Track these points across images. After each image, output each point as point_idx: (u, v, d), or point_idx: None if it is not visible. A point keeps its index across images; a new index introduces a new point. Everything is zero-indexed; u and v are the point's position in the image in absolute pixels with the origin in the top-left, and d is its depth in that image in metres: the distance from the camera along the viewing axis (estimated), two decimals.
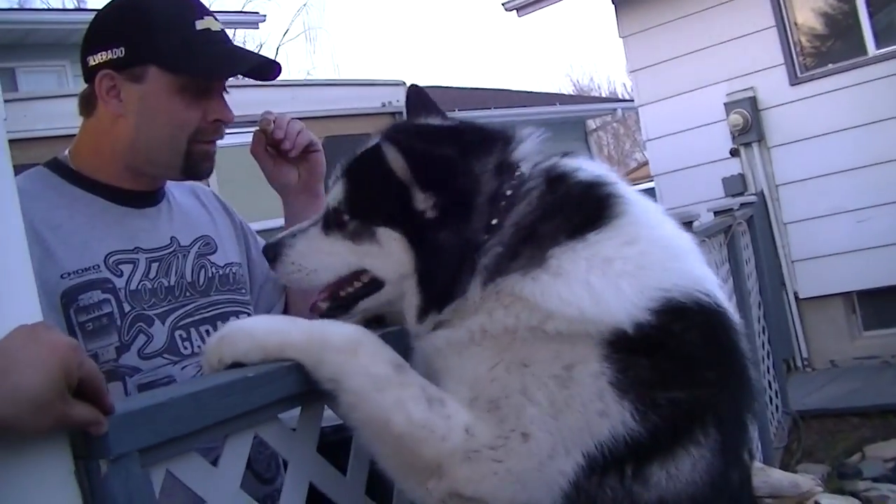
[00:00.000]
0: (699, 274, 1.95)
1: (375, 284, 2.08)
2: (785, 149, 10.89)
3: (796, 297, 11.04)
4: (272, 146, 2.78)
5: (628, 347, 1.79)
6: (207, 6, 2.64)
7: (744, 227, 8.28)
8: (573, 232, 1.88)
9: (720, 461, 1.84)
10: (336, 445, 2.08)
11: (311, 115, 10.88)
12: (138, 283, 2.47)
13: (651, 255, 1.88)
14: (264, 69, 2.67)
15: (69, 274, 2.35)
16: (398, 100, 11.90)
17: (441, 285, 1.96)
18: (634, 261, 1.85)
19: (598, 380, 1.77)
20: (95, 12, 2.63)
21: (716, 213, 7.93)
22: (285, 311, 2.91)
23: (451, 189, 1.97)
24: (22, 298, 1.55)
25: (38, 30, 14.87)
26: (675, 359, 1.83)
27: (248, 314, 2.72)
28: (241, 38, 33.17)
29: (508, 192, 1.96)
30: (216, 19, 2.60)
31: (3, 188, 1.56)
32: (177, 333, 2.50)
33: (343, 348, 1.84)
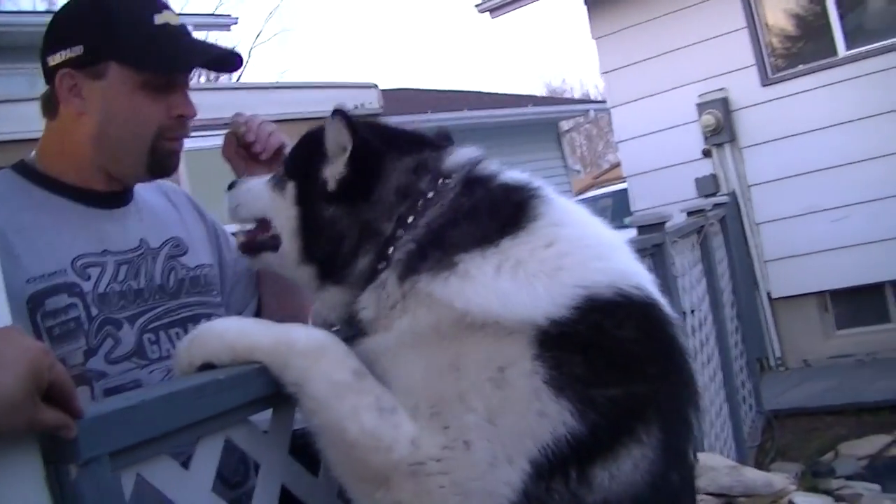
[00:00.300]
0: (627, 269, 1.92)
1: (275, 242, 2.20)
2: (757, 149, 10.96)
3: (769, 297, 11.10)
4: (244, 148, 2.76)
5: (559, 345, 1.77)
6: (174, 8, 2.62)
7: (716, 227, 8.33)
8: (484, 237, 1.88)
9: (662, 461, 1.82)
10: (308, 447, 2.08)
11: (284, 117, 10.88)
12: (106, 287, 2.44)
13: (571, 256, 1.86)
14: (225, 60, 2.68)
15: (35, 279, 2.32)
16: (371, 102, 11.94)
17: (319, 254, 2.09)
18: (551, 262, 1.83)
19: (532, 379, 1.75)
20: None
21: (689, 214, 7.97)
22: (258, 313, 2.90)
23: (360, 174, 2.04)
24: None
25: (9, 32, 14.77)
26: (610, 355, 1.80)
27: (219, 317, 2.67)
28: (213, 40, 33.14)
29: (430, 195, 2.00)
30: (174, 13, 2.57)
31: None
32: (145, 337, 2.48)
33: (308, 353, 1.84)
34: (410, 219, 1.98)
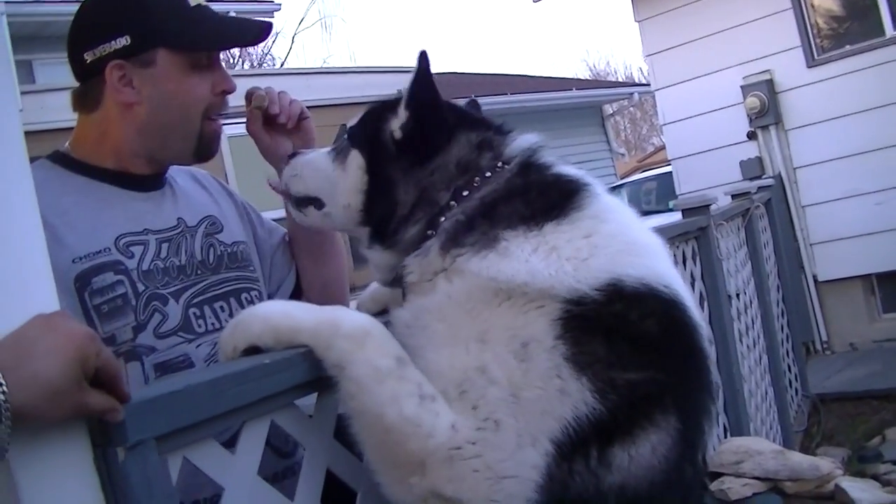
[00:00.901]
0: (659, 269, 1.96)
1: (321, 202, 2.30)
2: (802, 131, 10.86)
3: (815, 280, 11.01)
4: (266, 121, 2.80)
5: (581, 326, 1.82)
6: None
7: (762, 210, 8.26)
8: (530, 218, 1.94)
9: (678, 451, 1.85)
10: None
11: (327, 102, 10.94)
12: (150, 264, 2.49)
13: (605, 248, 1.91)
14: (260, 32, 2.74)
15: (80, 258, 2.37)
16: None
17: (377, 217, 2.15)
18: (585, 251, 1.89)
19: (553, 355, 1.79)
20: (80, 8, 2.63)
21: (733, 197, 7.91)
22: (298, 284, 2.97)
23: (422, 120, 2.11)
24: (39, 287, 1.55)
25: (55, 22, 14.95)
26: (631, 342, 1.84)
27: (258, 291, 2.76)
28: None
29: (487, 174, 2.07)
30: None
31: (20, 179, 1.57)
32: (190, 311, 2.53)
33: (352, 336, 1.85)
34: (465, 193, 2.05)
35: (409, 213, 2.10)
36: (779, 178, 10.87)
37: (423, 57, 2.08)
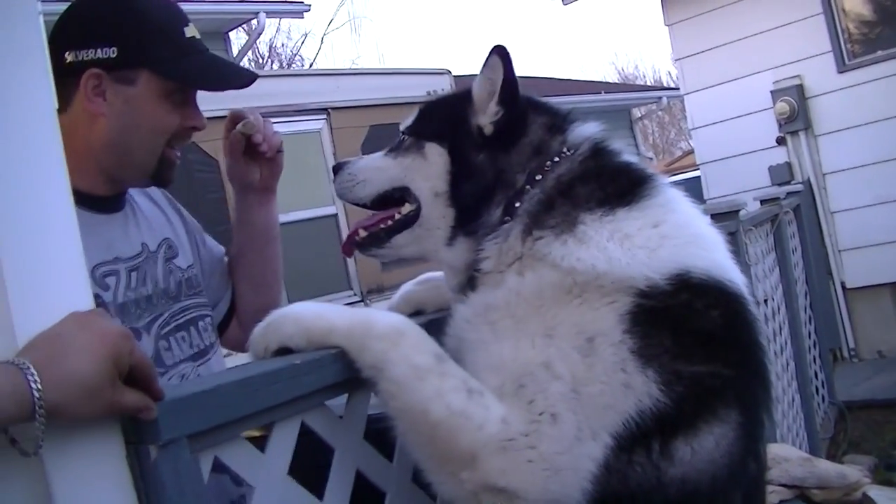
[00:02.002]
0: (724, 263, 1.99)
1: (411, 217, 2.23)
2: (832, 137, 10.80)
3: (843, 287, 10.94)
4: (246, 147, 2.79)
5: (649, 319, 1.83)
6: None
7: (790, 216, 8.22)
8: (604, 201, 1.98)
9: (740, 445, 1.86)
10: (383, 432, 2.10)
11: (356, 104, 10.95)
12: (123, 296, 2.47)
13: (674, 238, 1.94)
14: (245, 81, 2.70)
15: None
16: (443, 88, 11.90)
17: (468, 200, 2.14)
18: (655, 240, 1.92)
19: (619, 349, 1.81)
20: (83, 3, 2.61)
21: (762, 202, 7.88)
22: (231, 305, 2.98)
23: (513, 114, 2.15)
24: (73, 285, 1.56)
25: None
26: (698, 334, 1.86)
27: (210, 317, 2.77)
28: (287, 27, 33.34)
29: (556, 158, 2.11)
30: (195, 28, 2.63)
31: (55, 176, 1.59)
32: (160, 344, 2.52)
33: (386, 336, 1.86)
34: (538, 177, 2.08)
35: (492, 195, 2.11)
36: (808, 183, 10.81)
37: (503, 52, 2.13)
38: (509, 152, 2.13)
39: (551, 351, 1.82)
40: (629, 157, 2.16)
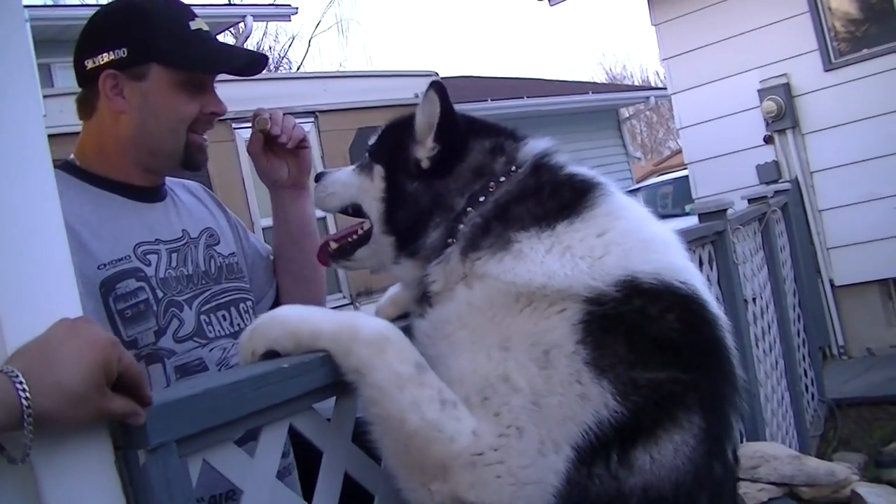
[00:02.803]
0: (676, 265, 1.98)
1: (365, 234, 2.30)
2: (819, 135, 10.82)
3: (832, 285, 10.96)
4: (267, 143, 2.90)
5: (601, 327, 1.83)
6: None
7: (778, 214, 8.25)
8: (542, 218, 1.98)
9: (703, 449, 1.85)
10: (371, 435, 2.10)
11: (344, 106, 10.95)
12: (165, 272, 2.60)
13: (620, 245, 1.93)
14: (254, 63, 2.80)
15: (104, 265, 2.46)
16: None
17: (401, 223, 2.18)
18: (599, 249, 1.92)
19: (573, 360, 1.80)
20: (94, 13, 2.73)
21: (750, 201, 7.90)
22: (276, 302, 3.05)
23: (449, 149, 2.16)
24: (62, 292, 1.57)
25: (74, 26, 14.98)
26: (653, 340, 1.85)
27: (252, 301, 2.87)
28: (274, 30, 33.30)
29: (502, 178, 2.10)
30: (203, 21, 2.74)
31: (43, 183, 1.59)
32: (202, 318, 2.64)
33: (371, 342, 1.87)
34: (482, 198, 2.08)
35: (428, 219, 2.12)
36: (795, 182, 10.83)
37: (440, 88, 2.16)
38: (445, 178, 2.15)
39: (509, 364, 1.83)
40: (574, 168, 2.13)
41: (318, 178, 2.48)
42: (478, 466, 1.77)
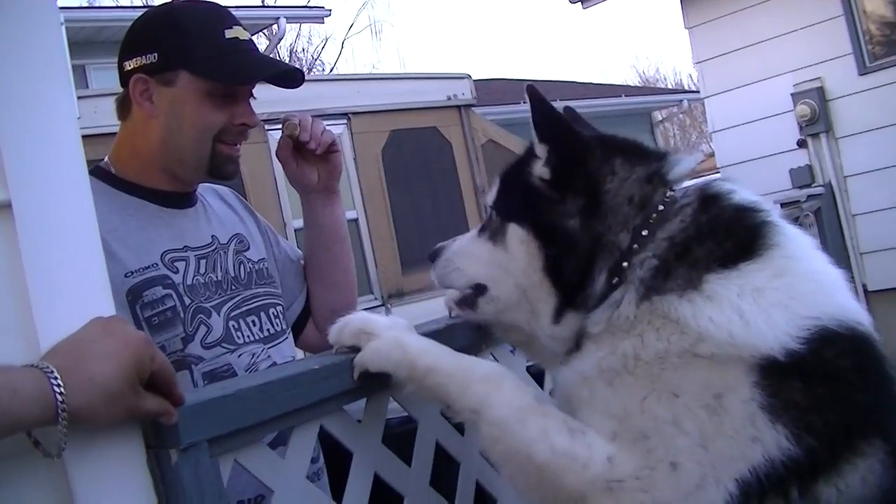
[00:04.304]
0: (850, 306, 1.92)
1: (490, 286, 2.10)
2: (853, 139, 10.73)
3: (865, 290, 10.86)
4: (296, 148, 2.88)
5: (778, 373, 1.75)
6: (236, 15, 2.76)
7: (811, 219, 8.19)
8: (726, 258, 1.86)
9: (892, 473, 1.78)
10: (401, 437, 2.11)
11: (377, 108, 10.97)
12: (192, 278, 2.61)
13: (801, 287, 1.85)
14: (288, 76, 2.79)
15: (132, 273, 2.48)
16: (463, 93, 11.92)
17: (571, 274, 1.95)
18: (785, 292, 1.82)
19: (749, 406, 1.74)
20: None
21: (783, 205, 7.86)
22: (306, 307, 3.05)
23: (562, 149, 2.00)
24: (96, 291, 1.59)
25: (108, 27, 15.08)
26: (829, 383, 1.78)
27: (282, 306, 2.87)
28: (307, 32, 33.39)
29: (660, 208, 1.95)
30: (244, 29, 2.72)
31: (77, 183, 1.61)
32: (230, 324, 2.64)
33: (488, 379, 1.84)
34: (644, 232, 1.92)
35: (593, 264, 1.94)
36: (829, 186, 10.74)
37: (531, 89, 2.03)
38: (596, 209, 1.96)
39: (678, 409, 1.76)
40: (740, 195, 1.99)
41: (436, 254, 2.24)
42: (616, 493, 1.72)
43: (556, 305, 1.98)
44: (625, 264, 1.90)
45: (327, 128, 2.94)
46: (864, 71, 10.61)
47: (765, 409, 1.73)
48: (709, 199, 1.97)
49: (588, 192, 1.97)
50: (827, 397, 1.76)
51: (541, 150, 2.01)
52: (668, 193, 1.98)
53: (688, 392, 1.77)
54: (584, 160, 2.00)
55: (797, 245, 1.96)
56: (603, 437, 1.78)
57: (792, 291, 1.83)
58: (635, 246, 1.91)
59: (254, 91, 2.74)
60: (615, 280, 1.91)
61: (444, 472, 2.08)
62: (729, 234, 1.91)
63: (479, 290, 2.12)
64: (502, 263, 2.05)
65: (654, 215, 1.94)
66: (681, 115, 33.54)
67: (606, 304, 1.90)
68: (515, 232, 2.02)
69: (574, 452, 1.75)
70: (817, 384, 1.77)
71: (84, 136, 1.66)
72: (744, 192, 2.01)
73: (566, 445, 1.75)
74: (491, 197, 2.15)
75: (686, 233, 1.91)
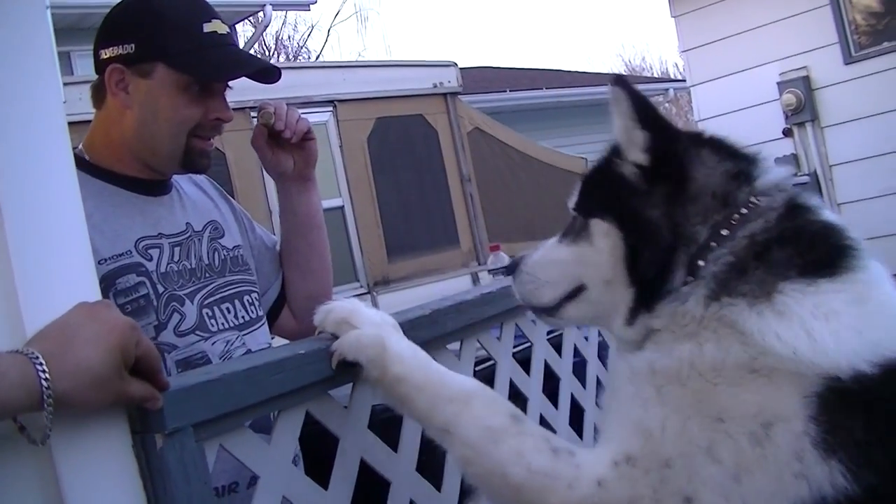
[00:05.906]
0: None
1: (579, 289, 2.00)
2: (839, 128, 10.76)
3: None
4: (272, 136, 2.87)
5: (839, 404, 1.64)
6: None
7: None
8: (806, 270, 1.75)
9: None
10: (387, 422, 2.11)
11: (363, 96, 10.96)
12: (166, 266, 2.59)
13: (879, 318, 1.73)
14: (266, 73, 2.77)
15: (105, 260, 2.46)
16: (450, 81, 11.92)
17: (649, 266, 1.86)
18: (863, 319, 1.70)
19: (800, 439, 1.62)
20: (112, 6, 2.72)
21: None
22: (282, 294, 3.05)
23: (662, 136, 1.91)
24: (80, 276, 1.59)
25: (93, 14, 15.01)
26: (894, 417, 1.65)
27: (257, 293, 2.86)
28: (293, 20, 33.31)
29: (744, 210, 1.85)
30: (223, 22, 2.70)
31: (64, 171, 1.61)
32: (204, 311, 2.63)
33: (455, 398, 1.81)
34: (724, 231, 1.82)
35: (671, 258, 1.84)
36: (814, 175, 10.77)
37: (621, 79, 1.92)
38: (681, 197, 1.87)
39: (717, 435, 1.65)
40: (828, 214, 1.91)
41: (514, 267, 2.12)
42: None
43: (631, 306, 1.89)
44: (700, 262, 1.81)
45: (302, 116, 2.92)
46: (849, 60, 10.64)
47: (817, 445, 1.61)
48: (797, 209, 1.88)
49: (676, 179, 1.89)
50: (891, 432, 1.64)
51: (641, 137, 1.90)
52: (753, 197, 1.87)
53: (734, 416, 1.66)
54: (680, 148, 1.92)
55: (878, 275, 1.85)
56: (604, 456, 1.71)
57: (870, 320, 1.71)
58: (713, 243, 1.81)
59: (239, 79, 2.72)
60: (689, 277, 1.81)
61: (431, 457, 2.08)
62: (813, 246, 1.81)
63: (577, 291, 2.00)
64: (589, 259, 1.96)
65: (736, 215, 1.84)
66: (667, 104, 33.48)
67: (673, 297, 1.82)
68: (599, 226, 1.93)
69: (556, 472, 1.70)
70: (883, 416, 1.65)
71: (69, 123, 1.66)
72: (831, 212, 1.94)
73: (545, 465, 1.71)
74: (573, 201, 2.05)
75: (768, 234, 1.81)
